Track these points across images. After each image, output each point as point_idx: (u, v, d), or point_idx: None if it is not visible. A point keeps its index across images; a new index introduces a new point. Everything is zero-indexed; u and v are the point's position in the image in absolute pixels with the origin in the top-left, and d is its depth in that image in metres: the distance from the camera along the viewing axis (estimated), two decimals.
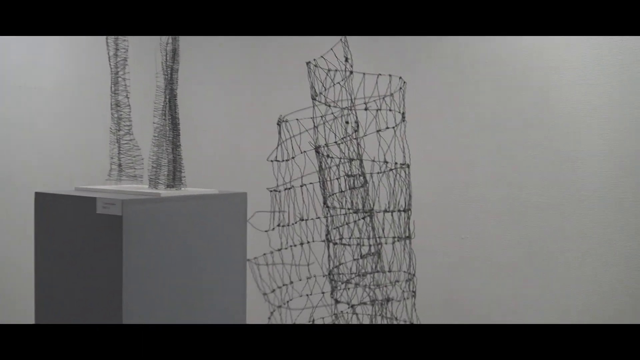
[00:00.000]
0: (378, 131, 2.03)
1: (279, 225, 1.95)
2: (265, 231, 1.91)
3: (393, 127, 2.12)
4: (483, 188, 4.10)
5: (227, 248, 2.98)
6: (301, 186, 2.00)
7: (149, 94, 3.23)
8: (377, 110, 2.02)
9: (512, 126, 3.98)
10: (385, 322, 2.00)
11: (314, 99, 2.01)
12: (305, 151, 1.97)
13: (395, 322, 2.04)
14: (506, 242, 4.00)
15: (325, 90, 2.02)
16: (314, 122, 1.99)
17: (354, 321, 2.02)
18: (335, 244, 1.95)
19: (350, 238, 2.01)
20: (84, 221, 2.64)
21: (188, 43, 5.03)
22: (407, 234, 2.14)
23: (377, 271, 1.96)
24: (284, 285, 1.98)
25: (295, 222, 2.00)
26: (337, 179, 1.98)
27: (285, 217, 1.96)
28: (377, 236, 2.02)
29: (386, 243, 2.07)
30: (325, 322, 2.06)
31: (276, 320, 2.17)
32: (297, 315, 2.00)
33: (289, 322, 1.98)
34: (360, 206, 1.97)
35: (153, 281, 2.61)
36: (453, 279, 4.20)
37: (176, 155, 2.95)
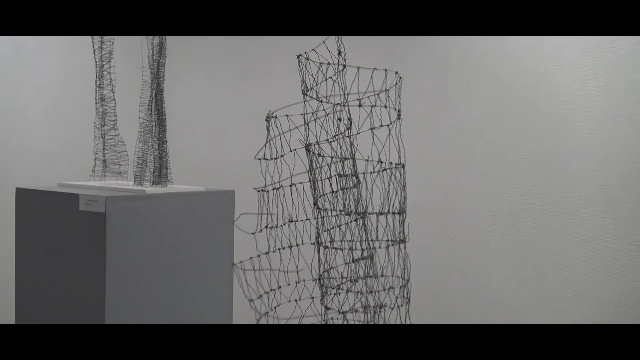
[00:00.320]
0: (372, 129, 1.96)
1: (266, 227, 1.87)
2: (252, 233, 1.83)
3: (388, 125, 2.05)
4: (473, 189, 4.08)
5: (213, 247, 2.93)
6: (290, 186, 1.92)
7: (134, 88, 3.19)
8: (371, 106, 1.95)
9: (502, 127, 3.96)
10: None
11: (304, 94, 1.94)
12: (295, 149, 1.89)
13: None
14: (496, 243, 3.99)
15: (316, 85, 1.94)
16: (304, 119, 1.92)
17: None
18: (326, 247, 1.88)
19: (341, 241, 1.94)
20: (66, 218, 2.59)
21: (175, 37, 4.96)
22: (401, 238, 2.07)
23: (370, 276, 1.90)
24: (271, 290, 1.90)
25: (284, 224, 1.92)
26: (328, 178, 1.91)
27: (274, 219, 1.88)
28: (370, 239, 1.95)
29: (380, 247, 2.00)
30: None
31: None
32: (285, 322, 1.92)
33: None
34: (352, 208, 1.90)
35: (137, 281, 2.55)
36: (443, 280, 4.18)
37: (162, 151, 2.90)
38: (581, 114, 3.68)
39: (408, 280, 2.05)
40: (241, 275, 1.84)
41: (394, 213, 2.01)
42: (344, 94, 1.91)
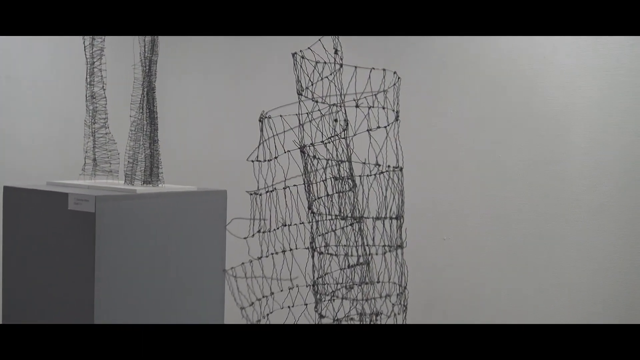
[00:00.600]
0: (369, 130, 1.91)
1: (259, 231, 1.82)
2: (244, 238, 1.78)
3: (385, 127, 2.00)
4: (466, 191, 4.07)
5: (205, 248, 2.89)
6: (284, 188, 1.86)
7: (126, 86, 3.15)
8: (369, 108, 1.90)
9: (495, 130, 3.96)
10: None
11: (299, 94, 1.89)
12: (289, 150, 1.84)
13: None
14: (488, 245, 3.98)
15: (312, 84, 1.89)
16: (299, 120, 1.87)
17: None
18: (320, 253, 1.83)
19: (337, 246, 1.89)
20: (55, 218, 2.54)
21: (167, 36, 4.91)
22: (398, 243, 2.02)
23: (366, 283, 1.85)
24: (263, 297, 1.85)
25: (278, 228, 1.87)
26: (323, 181, 1.86)
27: (267, 223, 1.82)
28: (366, 244, 1.90)
29: (377, 254, 1.95)
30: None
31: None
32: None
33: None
34: (348, 212, 1.85)
35: (127, 282, 2.51)
36: (435, 281, 4.16)
37: (153, 150, 2.86)
38: (575, 116, 3.69)
39: (405, 287, 2.00)
40: (232, 283, 1.79)
41: (391, 218, 1.96)
42: (341, 95, 1.86)
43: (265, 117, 1.79)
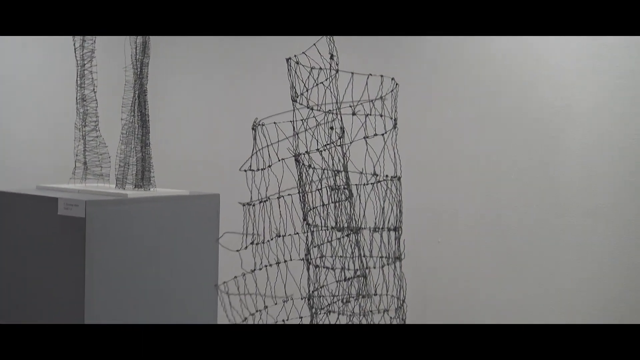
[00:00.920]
0: (365, 138, 1.87)
1: (252, 243, 1.77)
2: (237, 251, 1.73)
3: (382, 135, 1.96)
4: (461, 193, 4.05)
5: (197, 253, 2.86)
6: (278, 198, 1.82)
7: (117, 88, 3.11)
8: (365, 115, 1.86)
9: (491, 133, 3.94)
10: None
11: (294, 100, 1.85)
12: (283, 159, 1.80)
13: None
14: (483, 247, 3.96)
15: (307, 91, 1.85)
16: (294, 127, 1.83)
17: None
18: (316, 266, 1.79)
19: (332, 256, 1.85)
20: (44, 223, 2.51)
21: (158, 36, 4.86)
22: (396, 255, 1.98)
23: (363, 296, 1.81)
24: (257, 311, 1.81)
25: (271, 239, 1.82)
26: (318, 190, 1.81)
27: (260, 234, 1.78)
28: (363, 255, 1.86)
29: (374, 267, 1.91)
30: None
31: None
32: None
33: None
34: (344, 223, 1.81)
35: (118, 288, 2.47)
36: (430, 283, 4.14)
37: (145, 154, 2.83)
38: (569, 119, 3.68)
39: (404, 301, 1.97)
40: (225, 298, 1.75)
41: (389, 229, 1.92)
42: (337, 102, 1.82)
43: (259, 125, 1.74)
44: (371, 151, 1.89)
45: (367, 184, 1.93)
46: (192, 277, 2.83)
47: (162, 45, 5.05)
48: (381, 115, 1.91)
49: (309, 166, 1.80)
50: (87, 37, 2.84)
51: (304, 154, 1.79)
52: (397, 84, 2.05)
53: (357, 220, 1.83)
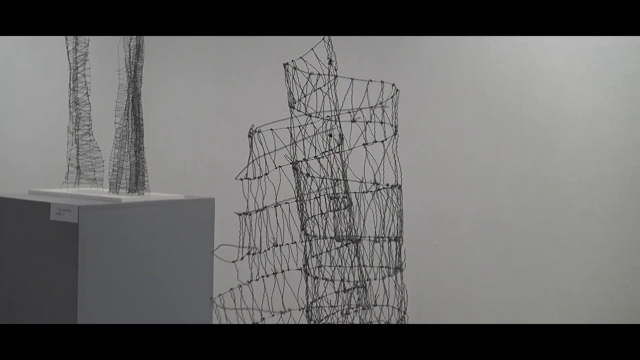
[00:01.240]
0: (364, 145, 1.84)
1: (248, 253, 1.73)
2: (233, 262, 1.69)
3: (382, 141, 1.93)
4: (457, 195, 4.04)
5: (192, 258, 2.83)
6: (275, 206, 1.78)
7: (110, 92, 3.08)
8: (366, 122, 1.82)
9: (487, 134, 3.92)
10: None
11: (291, 106, 1.81)
12: (280, 166, 1.76)
13: None
14: (479, 250, 3.95)
15: (305, 97, 1.82)
16: (291, 134, 1.79)
17: None
18: (315, 278, 1.75)
19: (332, 266, 1.81)
20: (37, 228, 2.48)
21: (153, 39, 4.83)
22: (397, 265, 1.95)
23: (363, 307, 1.78)
24: (254, 323, 1.77)
25: (268, 249, 1.78)
26: (317, 198, 1.78)
27: (257, 244, 1.74)
28: (362, 265, 1.82)
29: (375, 278, 1.87)
30: None
31: None
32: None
33: None
34: (343, 232, 1.77)
35: (111, 295, 2.44)
36: (426, 286, 4.13)
37: (139, 158, 2.80)
38: (565, 122, 3.67)
39: (405, 313, 1.93)
40: (220, 312, 1.71)
41: (390, 240, 1.89)
42: (336, 109, 1.79)
43: (255, 132, 1.71)
44: (371, 159, 1.86)
45: (366, 192, 1.90)
46: (187, 282, 2.80)
47: (156, 49, 5.01)
48: (382, 123, 1.88)
49: (307, 175, 1.76)
50: (81, 40, 2.81)
51: (301, 162, 1.75)
52: (397, 90, 2.02)
53: (356, 229, 1.79)
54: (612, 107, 3.53)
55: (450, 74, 4.06)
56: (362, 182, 1.83)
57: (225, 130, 4.91)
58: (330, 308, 1.76)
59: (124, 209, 2.53)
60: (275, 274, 1.76)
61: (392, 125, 1.95)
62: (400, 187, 1.97)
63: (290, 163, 1.74)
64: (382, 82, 1.91)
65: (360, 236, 1.79)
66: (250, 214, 1.65)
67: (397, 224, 1.95)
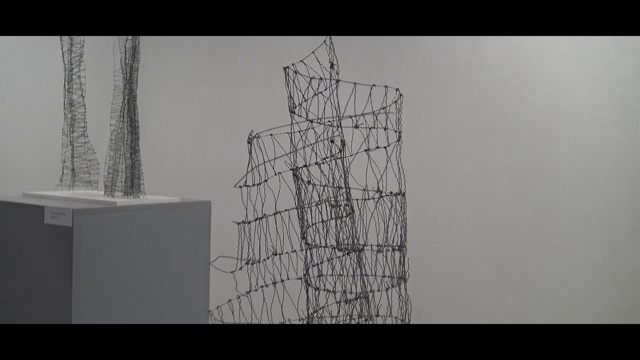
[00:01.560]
0: (367, 150, 1.80)
1: (247, 263, 1.69)
2: (232, 272, 1.66)
3: (385, 147, 1.89)
4: (453, 198, 4.03)
5: (189, 262, 2.80)
6: (275, 214, 1.75)
7: (106, 93, 3.05)
8: (369, 129, 1.79)
9: (483, 137, 3.93)
10: None
11: (292, 111, 1.77)
12: (279, 172, 1.73)
13: None
14: (476, 252, 3.95)
15: (305, 101, 1.78)
16: (291, 139, 1.76)
17: None
18: (316, 289, 1.72)
19: (333, 276, 1.77)
20: (30, 232, 2.44)
21: (149, 39, 4.79)
22: (400, 275, 1.91)
23: (366, 319, 1.75)
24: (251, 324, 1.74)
25: (267, 258, 1.74)
26: (317, 204, 1.74)
27: (256, 253, 1.70)
28: (364, 274, 1.79)
29: (378, 290, 1.84)
30: None
31: None
32: None
33: None
34: (345, 240, 1.74)
35: (106, 300, 2.41)
36: (423, 289, 4.11)
37: (135, 160, 2.77)
38: (562, 124, 3.68)
39: (409, 323, 1.90)
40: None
41: (393, 250, 1.85)
42: (338, 114, 1.75)
43: (255, 137, 1.67)
44: (373, 165, 1.82)
45: (369, 199, 1.86)
46: (184, 286, 2.76)
47: (152, 50, 4.98)
48: (385, 129, 1.84)
49: (308, 182, 1.73)
50: (76, 41, 2.78)
51: (302, 168, 1.71)
52: (401, 95, 1.98)
53: (358, 238, 1.75)
54: (610, 109, 3.54)
55: (446, 75, 4.05)
56: (364, 189, 1.79)
57: (222, 132, 4.89)
58: (332, 319, 1.72)
59: (120, 212, 2.50)
60: (274, 283, 1.72)
61: (395, 131, 1.91)
62: (404, 194, 1.93)
63: (291, 169, 1.70)
64: (385, 86, 1.87)
65: (363, 245, 1.75)
66: (249, 223, 1.61)
67: (401, 233, 1.91)
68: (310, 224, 1.75)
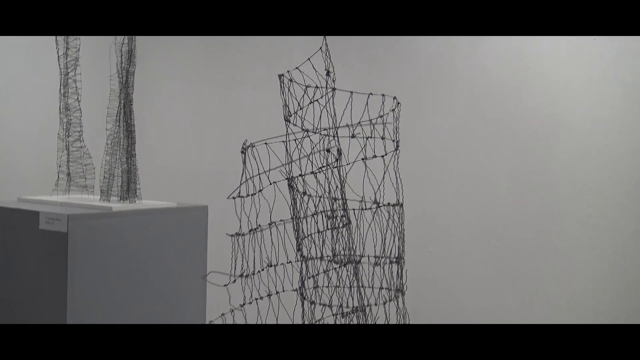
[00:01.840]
0: (364, 159, 1.78)
1: (241, 275, 1.66)
2: (225, 285, 1.63)
3: (382, 156, 1.87)
4: (452, 202, 4.01)
5: (185, 267, 2.79)
6: (270, 224, 1.72)
7: (102, 97, 3.03)
8: (366, 138, 1.76)
9: (481, 140, 3.91)
10: None
11: (287, 120, 1.75)
12: (275, 182, 1.70)
13: None
14: (474, 256, 3.93)
15: (301, 109, 1.75)
16: (286, 148, 1.73)
17: None
18: (312, 302, 1.69)
19: (329, 287, 1.75)
20: (25, 237, 2.42)
21: (146, 44, 4.76)
22: (398, 287, 1.89)
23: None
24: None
25: (262, 270, 1.72)
26: (313, 215, 1.72)
27: (250, 265, 1.67)
28: (362, 286, 1.76)
29: (375, 304, 1.82)
30: None
31: None
32: None
33: None
34: (341, 252, 1.71)
35: (102, 306, 2.39)
36: (421, 292, 4.10)
37: (131, 165, 2.75)
38: (559, 126, 3.67)
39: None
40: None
41: (390, 262, 1.83)
42: (334, 123, 1.73)
43: (249, 147, 1.64)
44: (370, 175, 1.80)
45: (365, 209, 1.84)
46: (180, 292, 2.75)
47: (148, 54, 4.95)
48: (382, 138, 1.82)
49: (304, 193, 1.70)
50: (71, 45, 2.76)
51: (297, 177, 1.69)
52: (399, 103, 1.96)
53: (355, 249, 1.73)
54: (608, 112, 3.53)
55: (443, 78, 4.04)
56: (362, 200, 1.77)
57: (218, 136, 4.86)
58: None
59: (115, 217, 2.48)
60: (269, 295, 1.69)
61: (393, 141, 1.89)
62: (402, 205, 1.91)
63: (286, 179, 1.68)
64: (383, 95, 1.85)
65: (360, 257, 1.73)
66: (243, 234, 1.59)
67: (398, 245, 1.89)
68: (306, 235, 1.72)
